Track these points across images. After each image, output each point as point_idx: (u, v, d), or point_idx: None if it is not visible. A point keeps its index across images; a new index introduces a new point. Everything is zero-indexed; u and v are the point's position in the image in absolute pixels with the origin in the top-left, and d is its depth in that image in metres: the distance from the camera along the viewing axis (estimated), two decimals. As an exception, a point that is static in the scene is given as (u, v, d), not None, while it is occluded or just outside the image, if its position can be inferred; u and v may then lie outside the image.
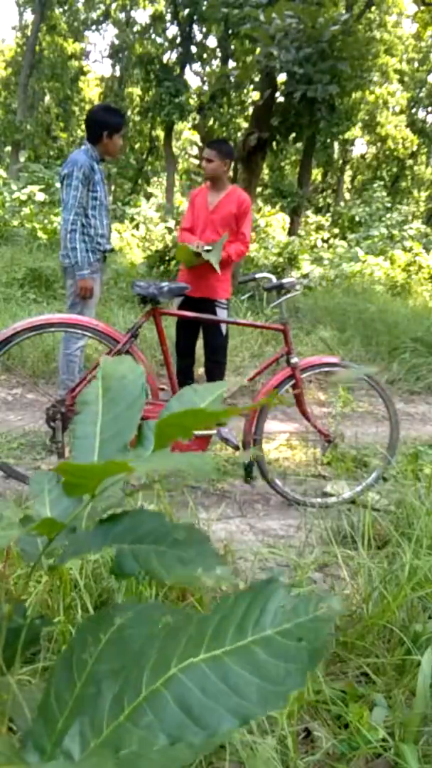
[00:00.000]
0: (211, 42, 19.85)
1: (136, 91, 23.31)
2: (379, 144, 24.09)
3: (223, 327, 3.80)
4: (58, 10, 23.10)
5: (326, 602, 0.59)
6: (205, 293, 3.68)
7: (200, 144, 8.10)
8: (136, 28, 21.98)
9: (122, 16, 23.41)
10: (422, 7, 12.33)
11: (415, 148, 24.06)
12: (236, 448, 3.23)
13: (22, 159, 15.97)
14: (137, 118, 23.26)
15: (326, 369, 3.10)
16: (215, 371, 3.89)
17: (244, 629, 0.58)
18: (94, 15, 23.80)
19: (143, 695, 0.54)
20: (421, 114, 24.63)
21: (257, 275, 3.25)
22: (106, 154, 3.50)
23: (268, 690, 0.53)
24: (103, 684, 0.57)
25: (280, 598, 0.60)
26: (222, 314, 3.76)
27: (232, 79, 8.29)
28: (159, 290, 2.83)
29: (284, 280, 3.02)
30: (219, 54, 18.60)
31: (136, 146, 24.67)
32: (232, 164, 3.86)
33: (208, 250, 3.50)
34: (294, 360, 2.93)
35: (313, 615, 0.58)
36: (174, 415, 0.59)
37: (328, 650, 1.56)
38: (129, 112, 22.95)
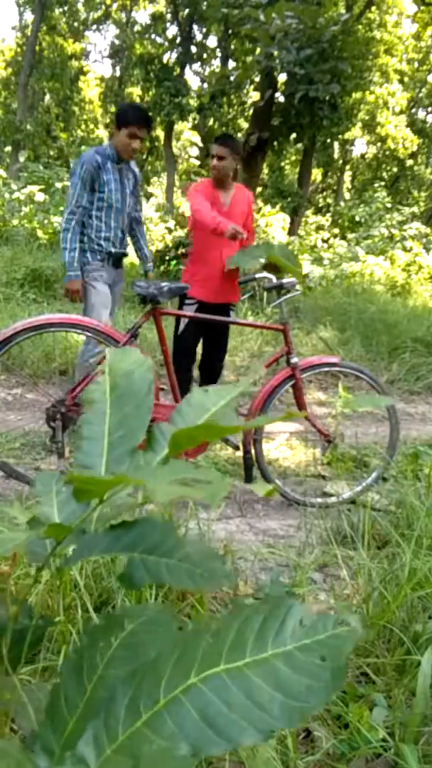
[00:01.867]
0: (211, 42, 19.86)
1: (136, 91, 23.29)
2: (379, 144, 24.07)
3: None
4: (58, 10, 23.09)
5: (346, 621, 0.59)
6: (225, 299, 3.65)
7: (200, 145, 8.07)
8: (136, 28, 21.96)
9: (122, 16, 23.41)
10: (422, 7, 12.33)
11: (415, 148, 24.05)
12: (236, 447, 3.23)
13: (22, 159, 15.96)
14: (137, 118, 23.22)
15: (326, 369, 3.10)
16: (219, 371, 3.90)
17: (264, 643, 0.58)
18: (94, 15, 23.80)
19: (162, 703, 0.54)
20: (421, 114, 24.64)
21: (257, 275, 3.24)
22: (118, 150, 3.32)
23: (291, 706, 0.53)
24: (116, 689, 0.56)
25: (299, 613, 0.60)
26: (232, 315, 3.77)
27: (232, 79, 8.29)
28: (159, 290, 2.83)
29: (284, 280, 3.01)
30: (219, 54, 18.60)
31: (136, 146, 24.62)
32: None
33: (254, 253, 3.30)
34: (294, 360, 2.93)
35: (332, 632, 0.58)
36: (189, 429, 0.59)
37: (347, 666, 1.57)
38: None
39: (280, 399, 2.93)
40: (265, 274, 3.17)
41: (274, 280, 3.05)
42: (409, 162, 24.69)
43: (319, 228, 18.12)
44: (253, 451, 2.89)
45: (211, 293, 3.59)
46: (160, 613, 0.69)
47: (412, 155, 24.49)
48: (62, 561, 0.71)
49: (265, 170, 18.10)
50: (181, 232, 8.61)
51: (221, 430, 0.59)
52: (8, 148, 20.84)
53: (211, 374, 3.91)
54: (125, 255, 3.64)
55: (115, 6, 23.20)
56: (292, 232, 13.50)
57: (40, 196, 9.98)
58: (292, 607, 0.60)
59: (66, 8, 23.36)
